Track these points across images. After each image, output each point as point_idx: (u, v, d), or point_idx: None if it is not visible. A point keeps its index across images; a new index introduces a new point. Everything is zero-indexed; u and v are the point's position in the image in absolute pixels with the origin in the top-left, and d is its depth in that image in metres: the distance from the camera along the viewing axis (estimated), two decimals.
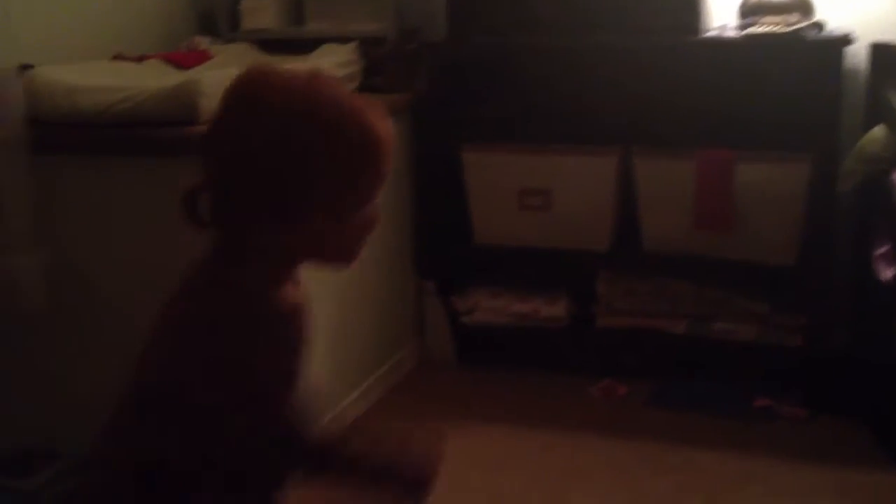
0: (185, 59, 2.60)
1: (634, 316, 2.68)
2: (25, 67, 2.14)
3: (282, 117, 0.99)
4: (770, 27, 2.39)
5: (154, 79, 2.33)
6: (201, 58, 2.65)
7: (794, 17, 2.43)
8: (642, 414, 2.51)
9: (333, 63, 2.49)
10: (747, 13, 2.50)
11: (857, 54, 2.56)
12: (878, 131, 2.21)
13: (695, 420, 2.45)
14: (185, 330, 1.05)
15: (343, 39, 2.66)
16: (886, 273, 2.10)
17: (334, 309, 2.38)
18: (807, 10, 2.47)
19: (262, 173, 1.00)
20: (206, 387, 1.02)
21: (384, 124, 1.04)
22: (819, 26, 2.44)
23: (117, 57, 2.57)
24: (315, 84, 1.02)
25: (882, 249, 2.19)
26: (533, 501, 2.08)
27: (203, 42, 2.82)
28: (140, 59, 2.57)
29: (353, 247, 1.08)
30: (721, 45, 2.51)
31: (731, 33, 2.50)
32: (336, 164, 1.01)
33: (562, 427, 2.43)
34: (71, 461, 2.16)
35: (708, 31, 2.54)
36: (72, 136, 2.08)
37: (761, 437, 2.35)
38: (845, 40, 2.37)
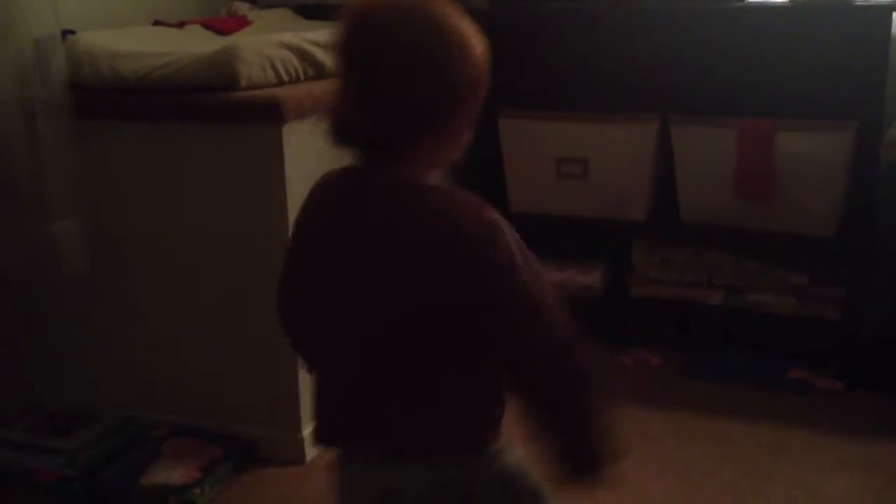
0: (224, 25, 2.61)
1: (670, 286, 2.67)
2: (67, 33, 2.17)
3: (423, 49, 1.07)
4: None
5: (194, 45, 2.35)
6: (241, 24, 2.67)
7: None
8: (675, 384, 2.51)
9: None
10: None
11: None
12: None
13: (728, 391, 2.44)
14: (429, 230, 1.06)
15: None
16: None
17: None
18: None
19: (416, 99, 1.07)
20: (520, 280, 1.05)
21: (484, 44, 1.13)
22: None
23: (157, 23, 2.59)
24: (435, 11, 1.10)
25: None
26: None
27: (242, 7, 2.83)
28: (180, 24, 2.59)
29: (463, 145, 1.15)
30: (765, 10, 2.47)
31: None
32: (466, 81, 1.09)
33: None
34: (108, 423, 2.22)
35: None
36: (112, 102, 2.11)
37: (795, 408, 2.34)
38: (894, 6, 2.32)
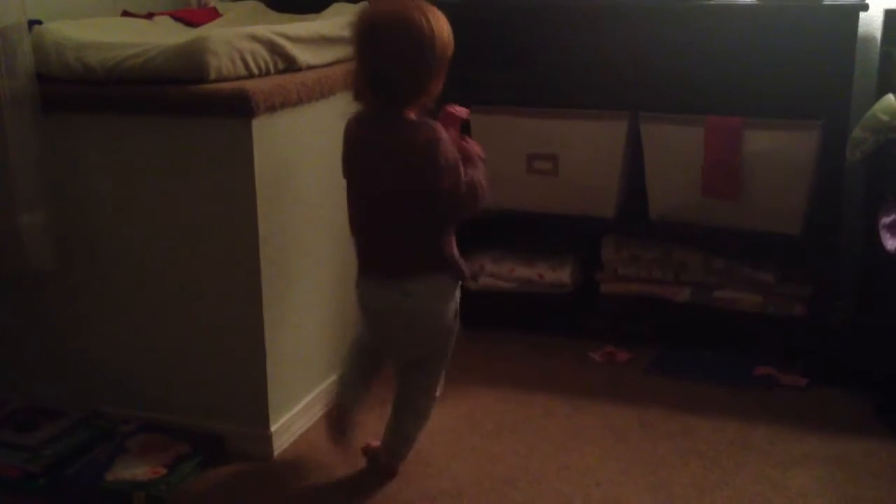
0: (194, 17, 2.59)
1: (639, 283, 2.69)
2: (33, 23, 2.15)
3: (408, 41, 1.80)
4: None
5: (162, 36, 2.33)
6: (210, 15, 2.65)
7: None
8: (643, 380, 2.52)
9: (344, 23, 2.47)
10: None
11: (872, 21, 2.53)
12: (889, 99, 2.19)
13: (694, 387, 2.46)
14: (412, 149, 1.84)
15: None
16: (892, 243, 2.09)
17: (341, 266, 2.40)
18: None
19: (412, 69, 1.82)
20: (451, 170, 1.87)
21: (447, 26, 1.86)
22: None
23: (126, 13, 2.57)
24: (415, 15, 1.82)
25: (888, 219, 2.18)
26: (533, 465, 2.11)
27: None
28: (149, 15, 2.57)
29: (436, 95, 1.90)
30: (734, 9, 2.49)
31: None
32: (436, 58, 1.83)
33: (563, 392, 2.45)
34: (74, 419, 2.20)
35: None
36: (80, 93, 2.09)
37: (760, 405, 2.36)
38: (861, 6, 2.34)
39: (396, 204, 1.88)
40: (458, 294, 2.00)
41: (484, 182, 1.94)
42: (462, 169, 1.88)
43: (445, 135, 1.86)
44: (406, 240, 1.91)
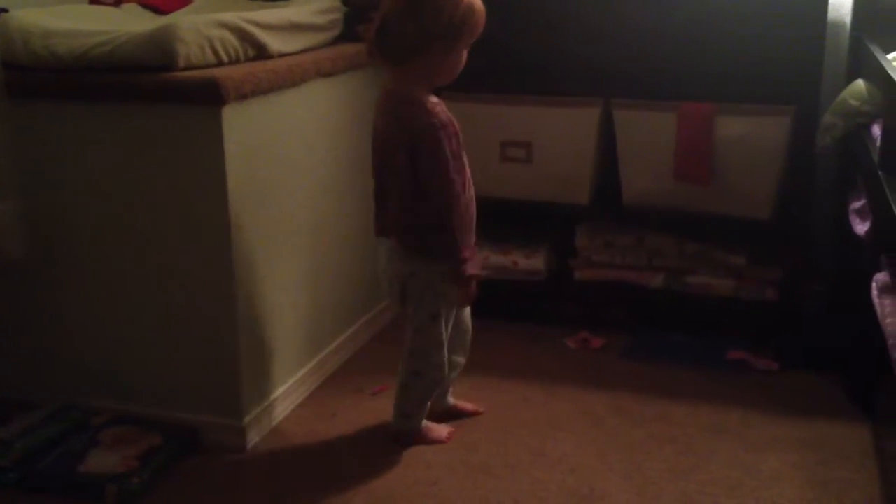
0: (163, 4, 2.57)
1: (612, 269, 2.70)
2: (0, 11, 2.11)
3: (412, 9, 1.89)
4: None
5: (131, 23, 2.30)
6: (180, 2, 2.62)
7: None
8: (617, 366, 2.54)
9: (315, 10, 2.46)
10: None
11: (842, 6, 2.54)
12: (859, 85, 2.20)
13: (668, 372, 2.48)
14: (405, 130, 1.94)
15: None
16: (860, 228, 2.11)
17: (320, 259, 2.39)
18: None
19: (405, 37, 1.90)
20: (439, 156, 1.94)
21: (479, 3, 1.96)
22: None
23: (94, 1, 2.53)
24: None
25: (857, 204, 2.20)
26: (509, 451, 2.11)
27: None
28: (117, 3, 2.54)
29: (455, 72, 1.99)
30: None
31: None
32: (452, 21, 1.90)
33: (538, 378, 2.45)
34: (46, 411, 2.18)
35: None
36: (47, 81, 2.06)
37: (733, 389, 2.38)
38: None
39: (389, 168, 1.99)
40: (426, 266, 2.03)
41: (456, 206, 1.96)
42: (451, 164, 1.94)
43: (447, 120, 1.94)
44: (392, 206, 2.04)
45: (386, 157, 2.00)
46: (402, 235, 2.02)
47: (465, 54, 1.98)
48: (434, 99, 1.97)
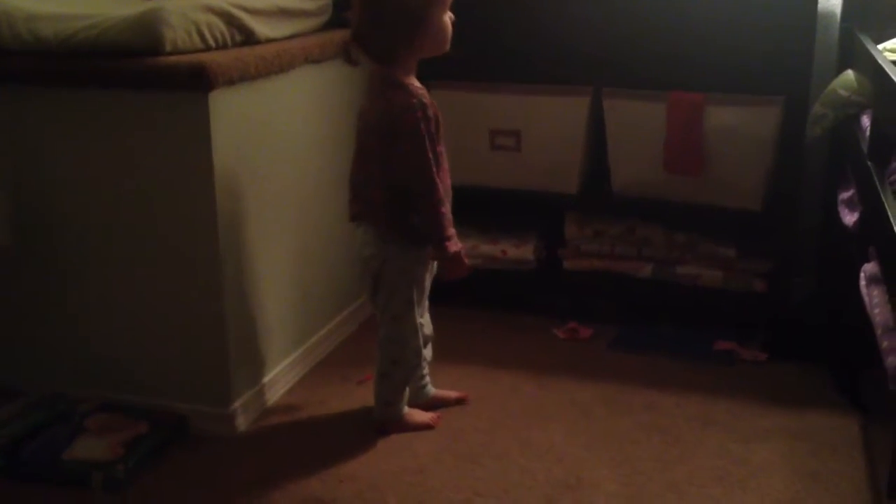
0: None
1: (601, 259, 2.69)
2: None
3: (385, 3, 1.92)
4: None
5: (117, 7, 2.27)
6: None
7: None
8: (605, 356, 2.53)
9: None
10: None
11: None
12: (848, 75, 2.20)
13: (656, 363, 2.47)
14: (386, 110, 1.95)
15: None
16: (849, 218, 2.11)
17: (308, 247, 2.37)
18: None
19: (399, 22, 1.92)
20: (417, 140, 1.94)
21: None
22: None
23: None
24: None
25: (846, 194, 2.20)
26: (497, 440, 2.11)
27: None
28: None
29: (444, 39, 1.98)
30: None
31: None
32: (414, 12, 1.91)
33: (526, 368, 2.45)
34: (32, 399, 2.16)
35: None
36: (32, 66, 2.03)
37: (721, 380, 2.38)
38: None
39: (369, 149, 2.00)
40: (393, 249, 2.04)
41: (439, 202, 1.96)
42: (429, 150, 1.94)
43: (427, 103, 1.95)
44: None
45: (366, 136, 2.00)
46: (380, 219, 2.01)
47: (447, 20, 1.97)
48: (417, 84, 1.98)
